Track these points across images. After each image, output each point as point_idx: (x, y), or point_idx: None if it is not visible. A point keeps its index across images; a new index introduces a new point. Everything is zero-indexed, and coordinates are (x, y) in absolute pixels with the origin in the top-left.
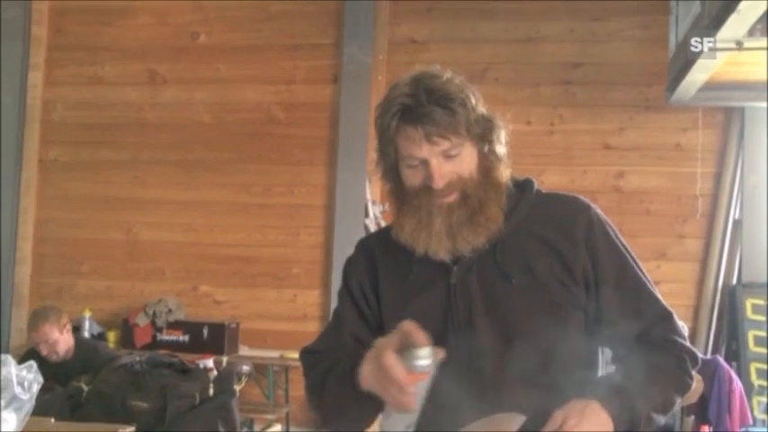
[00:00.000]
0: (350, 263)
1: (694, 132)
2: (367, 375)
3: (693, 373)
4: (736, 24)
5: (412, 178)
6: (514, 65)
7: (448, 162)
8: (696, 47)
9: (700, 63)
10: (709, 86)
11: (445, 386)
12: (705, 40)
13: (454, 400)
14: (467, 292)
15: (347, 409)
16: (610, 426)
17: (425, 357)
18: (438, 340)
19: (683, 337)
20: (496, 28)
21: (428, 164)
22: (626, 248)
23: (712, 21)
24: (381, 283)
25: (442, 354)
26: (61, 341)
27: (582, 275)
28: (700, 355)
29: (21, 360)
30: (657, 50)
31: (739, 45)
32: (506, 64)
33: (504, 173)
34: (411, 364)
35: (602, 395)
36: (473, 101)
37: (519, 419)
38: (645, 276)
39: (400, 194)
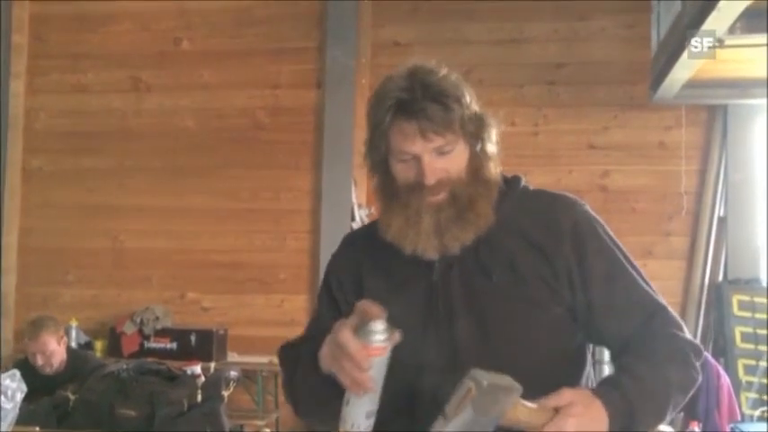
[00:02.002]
0: (333, 259)
1: (678, 130)
2: (325, 356)
3: (698, 364)
4: (717, 22)
5: (403, 173)
6: (498, 66)
7: (440, 159)
8: (696, 47)
9: (682, 61)
10: (692, 84)
11: (426, 383)
12: (705, 40)
13: (435, 397)
14: (448, 290)
15: (314, 395)
16: (605, 427)
17: (379, 331)
18: (420, 338)
19: (682, 329)
20: (480, 29)
21: (420, 160)
22: (616, 244)
23: (693, 19)
24: (365, 279)
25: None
26: (57, 353)
27: (565, 273)
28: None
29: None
30: (641, 49)
31: (720, 43)
32: (490, 65)
33: (495, 170)
34: (365, 339)
35: (609, 398)
36: (468, 99)
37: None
38: (637, 272)
39: (388, 190)
